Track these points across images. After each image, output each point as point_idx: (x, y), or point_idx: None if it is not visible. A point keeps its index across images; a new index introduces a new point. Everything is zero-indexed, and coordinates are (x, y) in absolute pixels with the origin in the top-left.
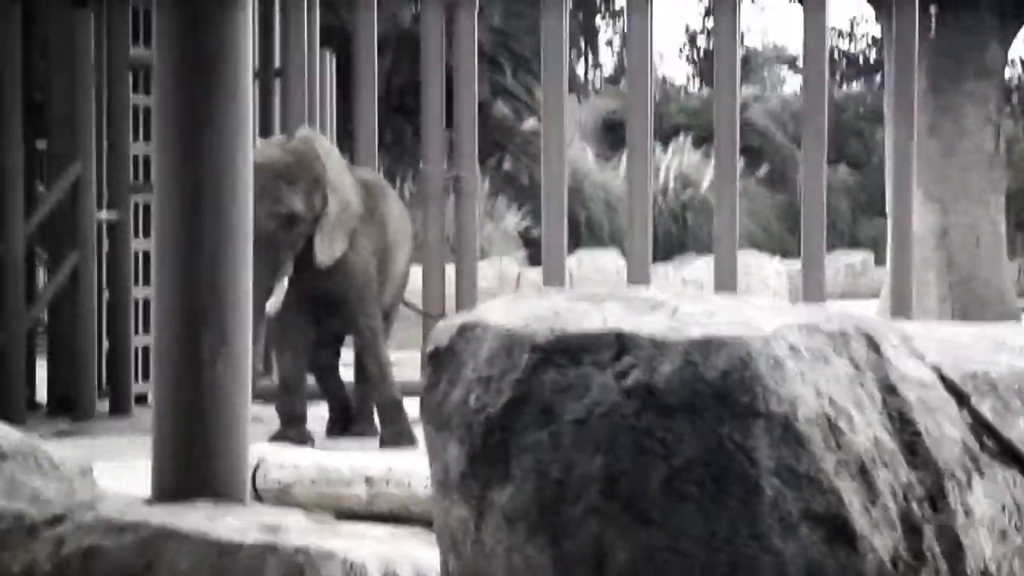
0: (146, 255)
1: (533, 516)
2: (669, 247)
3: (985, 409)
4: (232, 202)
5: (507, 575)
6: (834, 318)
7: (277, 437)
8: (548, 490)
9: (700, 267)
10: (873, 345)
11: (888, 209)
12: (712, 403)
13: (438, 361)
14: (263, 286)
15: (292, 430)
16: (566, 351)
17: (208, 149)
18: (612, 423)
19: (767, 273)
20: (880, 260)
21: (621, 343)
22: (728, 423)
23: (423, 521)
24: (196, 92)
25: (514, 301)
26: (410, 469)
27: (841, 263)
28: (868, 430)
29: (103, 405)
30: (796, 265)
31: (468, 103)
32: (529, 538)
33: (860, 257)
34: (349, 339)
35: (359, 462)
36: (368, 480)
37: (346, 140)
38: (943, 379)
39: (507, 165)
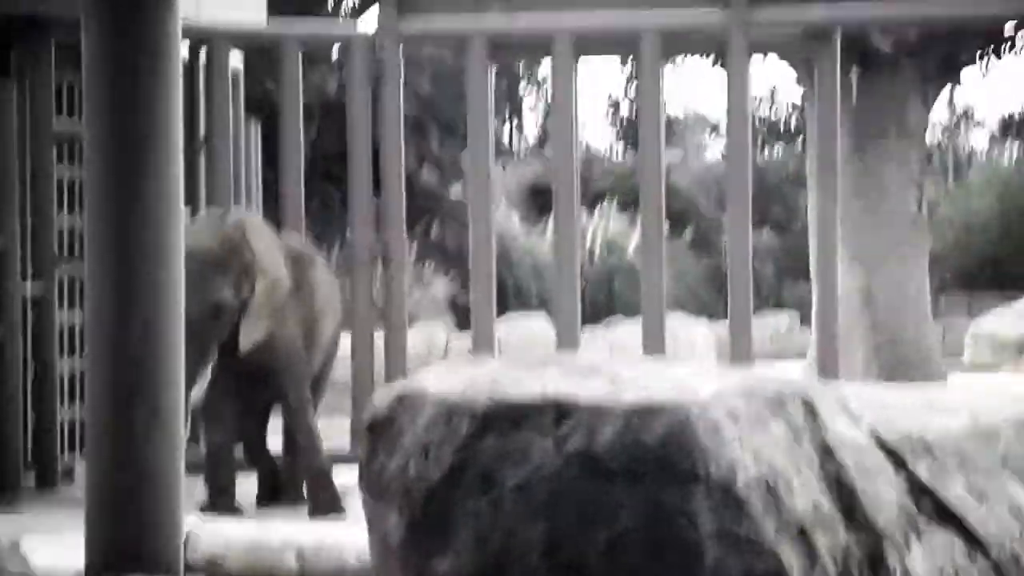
0: (71, 329)
1: None
2: (596, 311)
3: (921, 470)
4: (164, 276)
5: None
6: (771, 382)
7: (206, 508)
8: (488, 558)
9: (628, 331)
10: (810, 409)
11: (812, 271)
12: (653, 468)
13: (376, 431)
14: (189, 374)
15: (221, 501)
16: (506, 418)
17: (139, 223)
18: (553, 488)
19: (694, 336)
20: (806, 321)
21: (561, 409)
22: (669, 488)
23: None
24: (127, 168)
25: (451, 369)
26: (341, 539)
27: (767, 325)
28: (807, 493)
29: (29, 479)
30: (723, 328)
31: (394, 171)
32: None
33: (786, 319)
34: (276, 408)
35: (290, 532)
36: (299, 551)
37: (272, 208)
38: (879, 441)
39: (434, 231)
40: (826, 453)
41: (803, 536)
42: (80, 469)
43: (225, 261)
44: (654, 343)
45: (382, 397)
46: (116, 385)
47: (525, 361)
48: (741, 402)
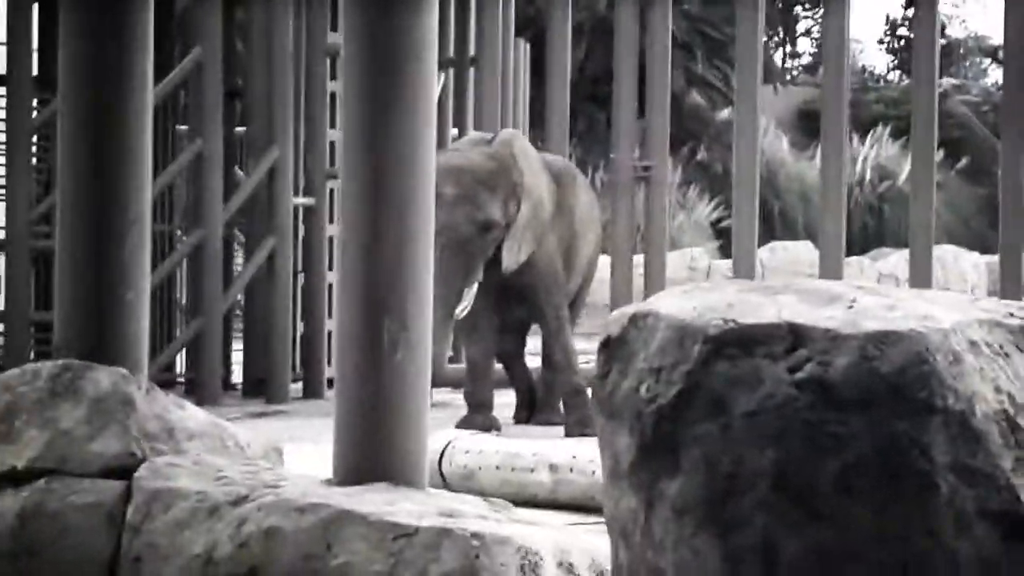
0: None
1: (702, 509)
2: (865, 240)
3: None
4: (415, 190)
5: (676, 567)
6: (1018, 313)
7: (464, 423)
8: (717, 483)
9: (895, 261)
10: None
11: None
12: (887, 398)
13: (610, 350)
14: (455, 289)
15: (479, 416)
16: (739, 343)
17: (391, 138)
18: (784, 416)
19: (965, 267)
20: None
21: (795, 335)
22: (904, 419)
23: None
24: (381, 83)
25: (687, 292)
26: (594, 457)
27: None
28: None
29: (297, 387)
30: (996, 260)
31: (661, 92)
32: (698, 531)
33: None
34: (536, 326)
35: (543, 450)
36: (552, 467)
37: (538, 128)
38: None
39: (700, 155)
40: None
41: None
42: None
43: (494, 180)
44: (921, 274)
45: (616, 317)
46: (366, 298)
47: (763, 286)
48: (984, 333)
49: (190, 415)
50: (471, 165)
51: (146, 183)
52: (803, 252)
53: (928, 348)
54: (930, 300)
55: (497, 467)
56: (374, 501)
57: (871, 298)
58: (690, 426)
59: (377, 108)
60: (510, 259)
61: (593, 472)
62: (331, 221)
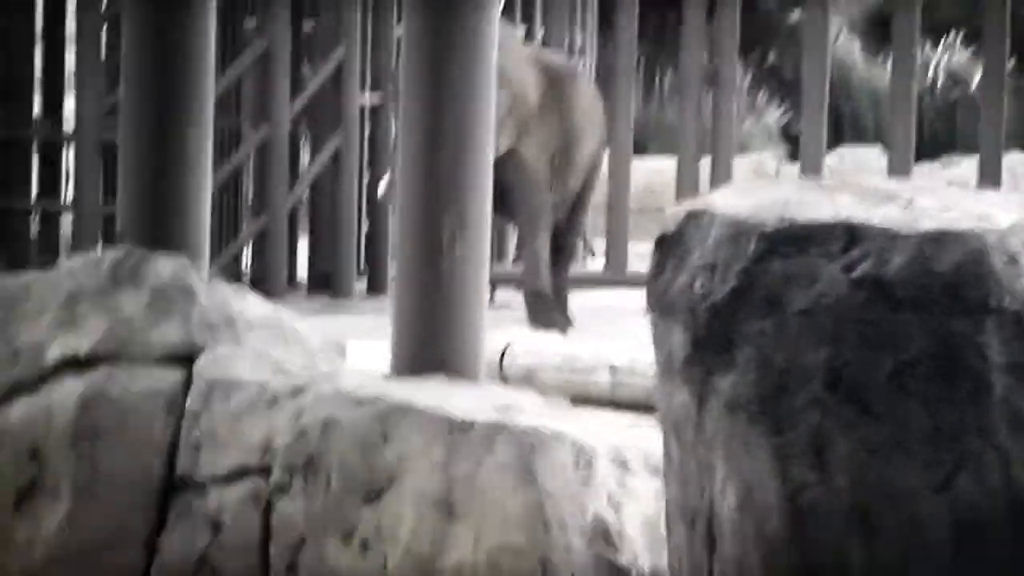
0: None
1: (754, 405)
2: (935, 146)
3: None
4: (475, 86)
5: (727, 462)
6: None
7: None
8: (770, 379)
9: (966, 168)
10: None
11: None
12: (943, 297)
13: (665, 247)
14: None
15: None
16: (794, 241)
17: (453, 33)
18: (839, 314)
19: None
20: None
21: (851, 234)
22: (959, 318)
23: None
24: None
25: (744, 190)
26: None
27: None
28: None
29: (361, 284)
30: None
31: None
32: (750, 426)
33: None
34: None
35: (604, 351)
36: (612, 369)
37: (608, 32)
38: None
39: (771, 58)
40: None
41: None
42: None
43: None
44: (991, 181)
45: (672, 214)
46: (426, 194)
47: (820, 184)
48: None
49: (251, 306)
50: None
51: (208, 76)
52: (872, 157)
53: (984, 248)
54: (987, 201)
55: (557, 367)
56: (430, 394)
57: (928, 198)
58: (744, 323)
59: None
60: None
61: (652, 374)
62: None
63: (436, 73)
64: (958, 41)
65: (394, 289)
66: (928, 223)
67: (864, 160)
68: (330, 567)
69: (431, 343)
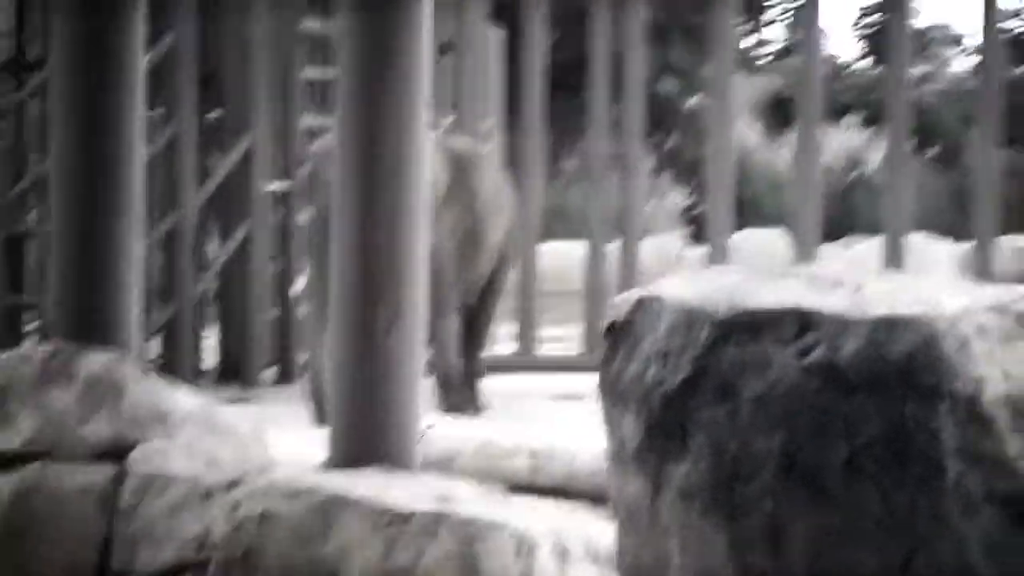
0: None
1: (709, 493)
2: (835, 227)
3: None
4: (409, 178)
5: (682, 551)
6: (1022, 298)
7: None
8: (724, 467)
9: (866, 249)
10: None
11: None
12: (896, 382)
13: (615, 335)
14: (323, 281)
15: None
16: (747, 327)
17: (385, 126)
18: (792, 400)
19: (935, 255)
20: None
21: (804, 320)
22: (912, 403)
23: (584, 497)
24: (375, 71)
25: (692, 276)
26: (574, 446)
27: (1012, 246)
28: None
29: (270, 373)
30: (964, 248)
31: (636, 78)
32: (704, 515)
33: None
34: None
35: (522, 435)
36: (531, 453)
37: (514, 116)
38: None
39: (671, 142)
40: None
41: None
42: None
43: None
44: (895, 262)
45: (621, 301)
46: (360, 284)
47: (767, 271)
48: (991, 317)
49: (182, 399)
50: None
51: (137, 166)
52: (774, 240)
53: (936, 333)
54: (934, 286)
55: (475, 451)
56: (369, 485)
57: (875, 284)
58: (698, 410)
59: (372, 96)
60: None
61: (572, 459)
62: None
63: (369, 165)
64: (855, 123)
65: (331, 379)
66: (879, 309)
67: (765, 243)
68: None
69: (368, 433)
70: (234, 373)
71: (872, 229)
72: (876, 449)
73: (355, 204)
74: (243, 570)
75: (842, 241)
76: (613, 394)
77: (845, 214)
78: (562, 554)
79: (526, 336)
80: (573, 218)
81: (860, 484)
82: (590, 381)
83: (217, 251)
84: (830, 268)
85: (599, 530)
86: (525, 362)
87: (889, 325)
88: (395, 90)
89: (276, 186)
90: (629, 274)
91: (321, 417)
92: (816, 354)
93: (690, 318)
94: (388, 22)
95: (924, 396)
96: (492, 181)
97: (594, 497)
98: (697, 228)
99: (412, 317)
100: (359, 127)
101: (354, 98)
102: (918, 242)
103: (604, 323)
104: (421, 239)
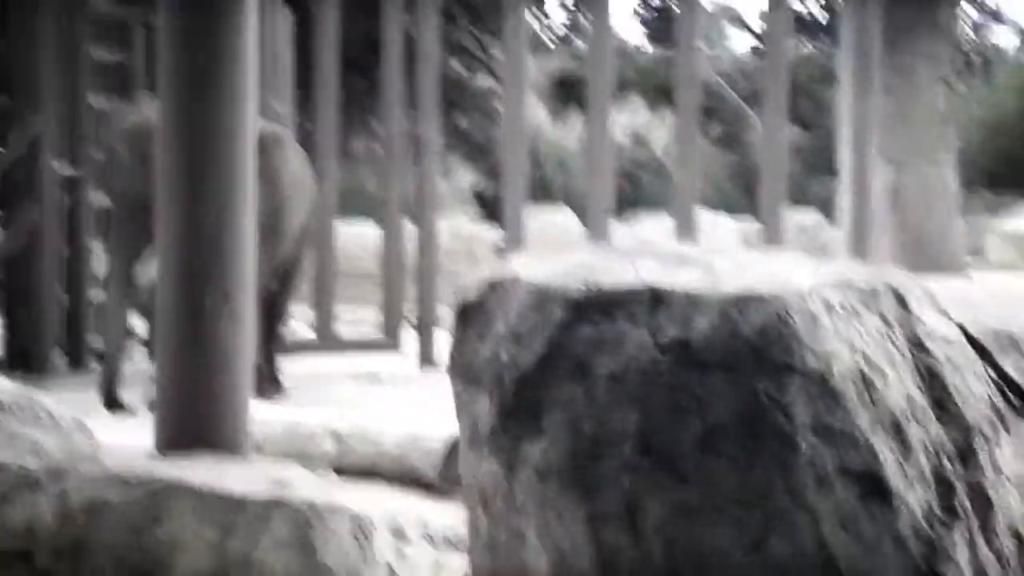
0: (104, 210)
1: (566, 471)
2: (620, 206)
3: (1008, 366)
4: (236, 163)
5: (539, 530)
6: (863, 273)
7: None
8: (581, 446)
9: (652, 226)
10: (901, 301)
11: (843, 169)
12: (749, 359)
13: (467, 316)
14: (132, 253)
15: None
16: (600, 306)
17: (211, 111)
18: (647, 379)
19: (720, 232)
20: (831, 220)
21: (656, 298)
22: (764, 379)
23: (392, 479)
24: (200, 57)
25: (543, 256)
26: (380, 427)
27: (793, 222)
28: (900, 386)
29: (62, 360)
30: (747, 224)
31: (430, 59)
32: (561, 492)
33: (811, 216)
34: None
35: (327, 418)
36: (336, 436)
37: (305, 99)
38: (967, 335)
39: (461, 122)
40: (917, 346)
41: (897, 429)
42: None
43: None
44: (686, 238)
45: (472, 283)
46: (187, 269)
47: (619, 250)
48: (836, 293)
49: (1, 386)
50: (149, 124)
51: None
52: (564, 219)
53: (787, 309)
54: (782, 263)
55: (282, 435)
56: (202, 472)
57: (723, 261)
58: (552, 390)
59: (197, 82)
60: None
61: (378, 440)
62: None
63: (193, 146)
64: (640, 103)
65: (157, 366)
66: (730, 286)
67: (556, 222)
68: None
69: (198, 419)
70: (23, 361)
71: (657, 206)
72: (730, 427)
73: (182, 188)
74: (72, 561)
75: (627, 218)
76: (465, 376)
77: (630, 192)
78: (399, 535)
79: (323, 318)
80: (364, 199)
81: (715, 461)
82: (387, 362)
83: (3, 236)
84: (681, 246)
85: (430, 512)
86: (322, 344)
87: (740, 302)
88: (221, 73)
89: (65, 170)
90: (427, 255)
91: (111, 403)
92: (668, 332)
93: (543, 298)
94: (214, 7)
95: (776, 372)
96: (294, 164)
97: (401, 479)
98: (487, 208)
99: (241, 301)
100: (185, 111)
101: (178, 81)
102: (704, 219)
103: (454, 305)
104: (249, 223)
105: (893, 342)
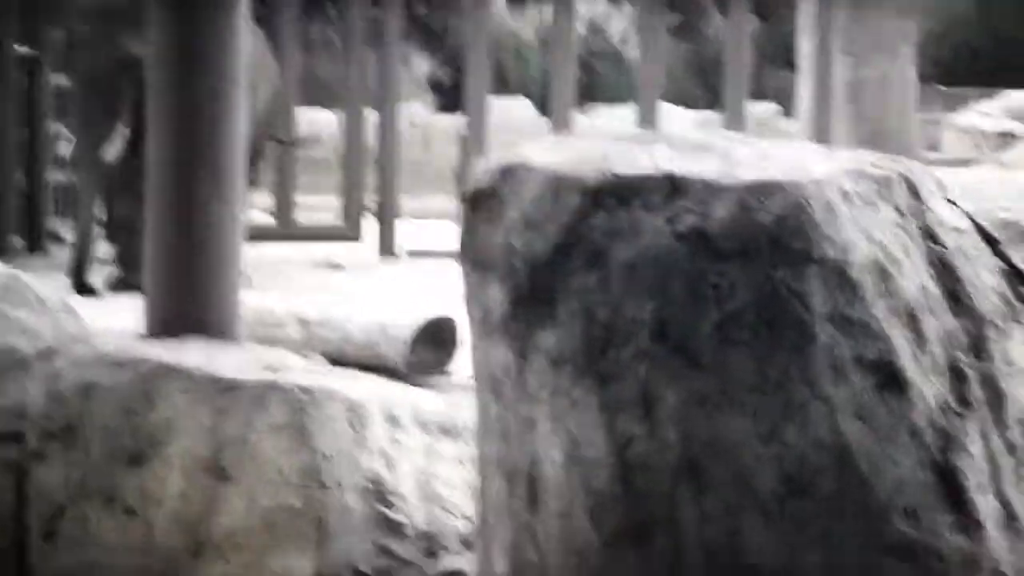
0: (62, 91)
1: (580, 359)
2: (577, 97)
3: (1017, 258)
4: (231, 39)
5: (552, 417)
6: (878, 162)
7: None
8: (596, 333)
9: (611, 117)
10: (913, 190)
11: (803, 63)
12: (766, 248)
13: (478, 203)
14: (98, 133)
15: None
16: (616, 194)
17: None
18: (664, 267)
19: (679, 123)
20: (787, 112)
21: (674, 186)
22: (783, 268)
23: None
24: None
25: (558, 142)
26: (345, 313)
27: (749, 114)
28: (915, 277)
29: (18, 241)
30: (703, 116)
31: None
32: (576, 381)
33: (767, 108)
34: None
35: (293, 305)
36: (303, 322)
37: None
38: (976, 226)
39: (419, 10)
40: (930, 236)
41: (912, 320)
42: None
43: (137, 14)
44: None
45: (484, 169)
46: (179, 149)
47: (635, 136)
48: (852, 182)
49: None
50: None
51: None
52: (519, 109)
53: (805, 198)
54: (799, 151)
55: (250, 319)
56: (196, 355)
57: (742, 149)
58: (567, 278)
59: None
60: None
61: (344, 326)
62: (55, 71)
63: (184, 35)
64: None
65: (149, 246)
66: (748, 174)
67: (512, 112)
68: (92, 534)
69: (189, 303)
70: None
71: (612, 97)
72: (747, 315)
73: (175, 73)
74: (63, 442)
75: (584, 109)
76: (476, 263)
77: (588, 83)
78: (393, 421)
79: (284, 205)
80: (321, 86)
81: (732, 350)
82: (348, 249)
83: None
84: (700, 134)
85: (422, 399)
86: (284, 231)
87: (758, 190)
88: None
89: (23, 50)
90: (387, 144)
91: (81, 288)
92: (686, 220)
93: (558, 185)
94: None
95: (794, 261)
96: (255, 51)
97: (368, 366)
98: (443, 96)
99: (233, 185)
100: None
101: None
102: (662, 110)
103: (466, 192)
104: (242, 105)
105: (907, 232)
